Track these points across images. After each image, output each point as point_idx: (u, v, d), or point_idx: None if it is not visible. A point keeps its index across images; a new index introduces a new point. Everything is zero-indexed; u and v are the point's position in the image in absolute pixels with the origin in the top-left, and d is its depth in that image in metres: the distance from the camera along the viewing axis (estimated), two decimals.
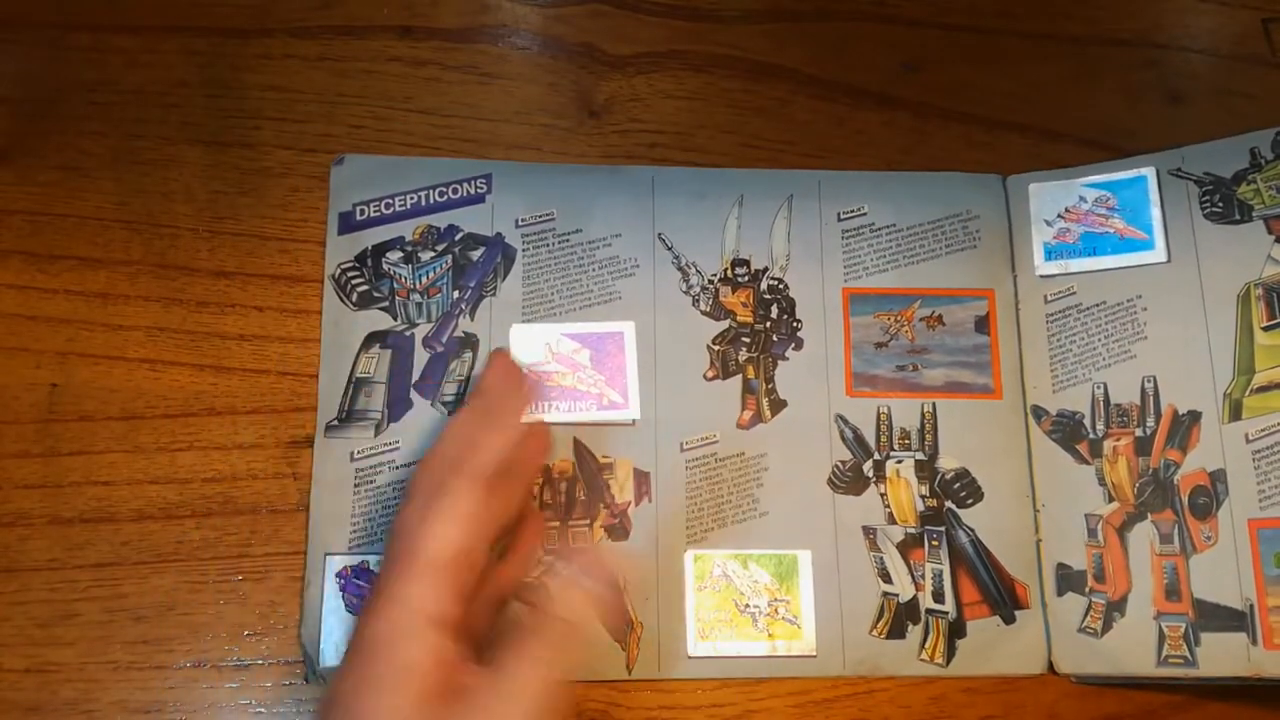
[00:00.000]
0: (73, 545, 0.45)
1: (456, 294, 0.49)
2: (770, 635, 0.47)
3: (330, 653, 0.45)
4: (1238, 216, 0.49)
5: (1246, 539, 0.45)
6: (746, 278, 0.51)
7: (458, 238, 0.50)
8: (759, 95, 0.54)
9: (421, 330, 0.49)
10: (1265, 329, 0.47)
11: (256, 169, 0.50)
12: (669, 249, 0.51)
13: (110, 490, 0.46)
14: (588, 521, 0.47)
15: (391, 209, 0.50)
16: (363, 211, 0.50)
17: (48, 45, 0.51)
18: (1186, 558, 0.46)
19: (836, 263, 0.51)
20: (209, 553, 0.45)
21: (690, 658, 0.46)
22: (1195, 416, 0.47)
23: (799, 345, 0.50)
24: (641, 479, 0.48)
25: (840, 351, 0.50)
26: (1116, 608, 0.46)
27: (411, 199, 0.50)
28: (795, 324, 0.50)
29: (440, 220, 0.50)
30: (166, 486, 0.46)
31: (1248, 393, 0.47)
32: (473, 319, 0.49)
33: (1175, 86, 0.56)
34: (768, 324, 0.50)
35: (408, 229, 0.50)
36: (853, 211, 0.52)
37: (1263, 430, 0.46)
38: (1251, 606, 0.45)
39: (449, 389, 0.48)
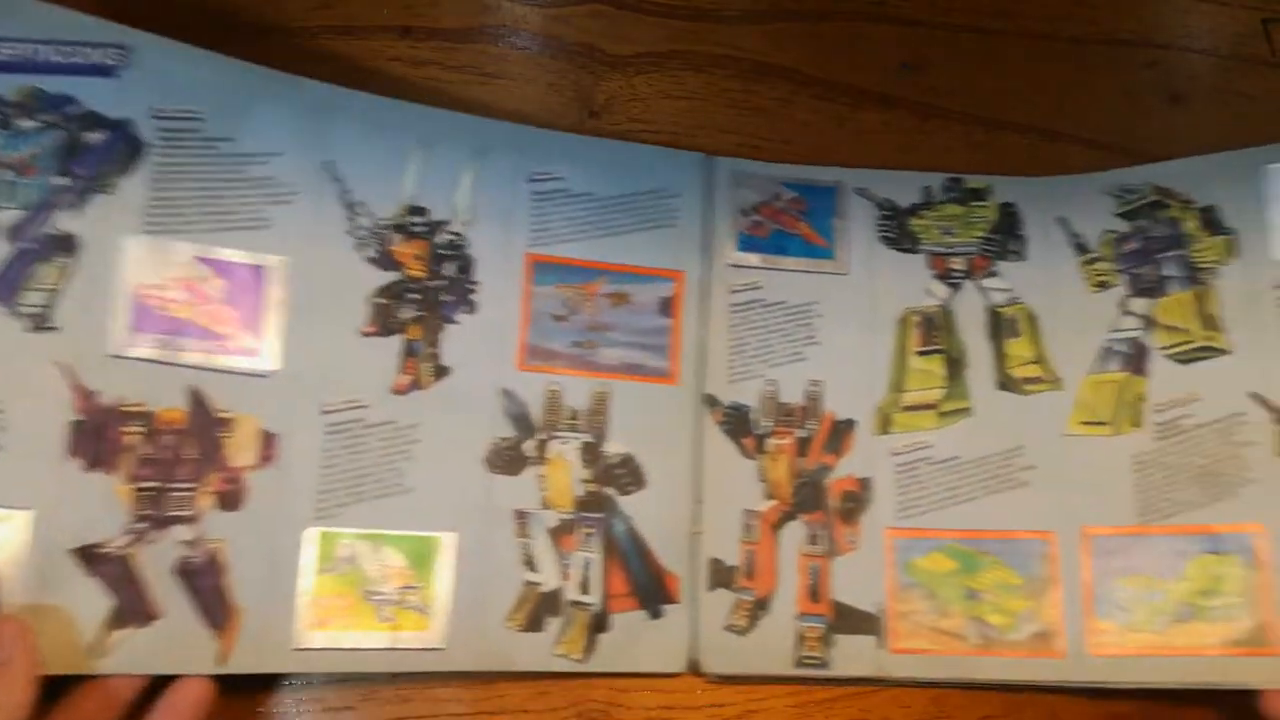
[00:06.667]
0: None
1: (62, 180, 0.41)
2: (395, 626, 0.43)
3: None
4: (908, 245, 0.52)
5: (883, 546, 0.47)
6: (422, 228, 0.46)
7: (71, 111, 0.41)
8: (759, 95, 0.54)
9: (8, 217, 0.40)
10: (919, 354, 0.50)
11: None
12: (337, 180, 0.45)
13: None
14: (194, 486, 0.41)
15: None
16: None
17: None
18: (830, 560, 0.47)
19: (523, 226, 0.48)
20: None
21: (296, 650, 0.41)
22: (850, 424, 0.49)
23: (472, 309, 0.46)
24: (268, 441, 0.42)
25: (516, 320, 0.47)
26: (762, 606, 0.46)
27: (19, 49, 0.41)
28: (470, 285, 0.46)
29: (52, 85, 0.41)
30: None
31: (897, 409, 0.49)
32: (79, 216, 0.41)
33: (1175, 86, 0.57)
34: (440, 282, 0.46)
35: (7, 85, 0.41)
36: (548, 174, 0.48)
37: (907, 446, 0.49)
38: (883, 611, 0.46)
39: (33, 299, 0.40)
